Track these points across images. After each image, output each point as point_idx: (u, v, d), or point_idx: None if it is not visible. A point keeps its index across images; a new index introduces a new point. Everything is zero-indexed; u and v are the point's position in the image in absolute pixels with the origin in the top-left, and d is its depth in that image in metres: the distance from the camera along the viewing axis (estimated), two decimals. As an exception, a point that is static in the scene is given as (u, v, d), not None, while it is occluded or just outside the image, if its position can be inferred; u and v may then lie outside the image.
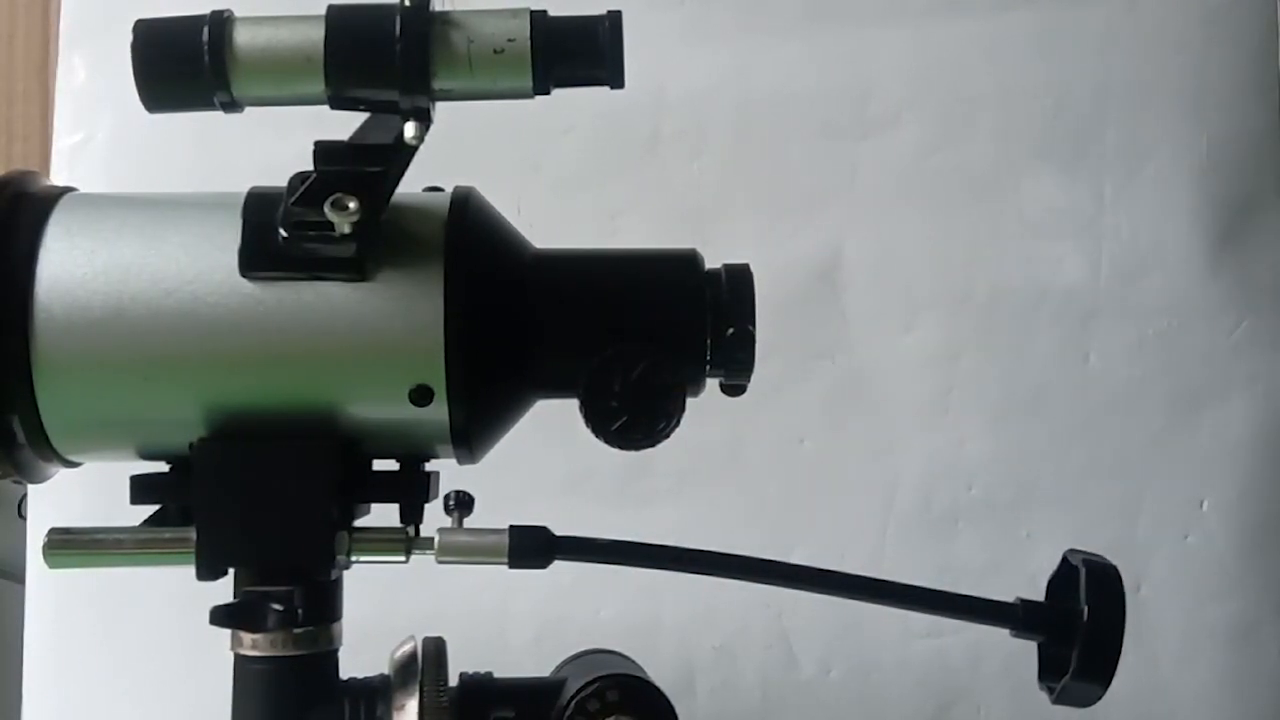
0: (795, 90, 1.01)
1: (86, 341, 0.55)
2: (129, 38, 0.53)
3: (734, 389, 0.62)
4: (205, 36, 0.53)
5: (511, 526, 0.59)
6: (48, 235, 0.56)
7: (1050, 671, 0.61)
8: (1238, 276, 1.02)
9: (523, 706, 0.61)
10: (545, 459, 0.91)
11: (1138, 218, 1.00)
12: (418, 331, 0.55)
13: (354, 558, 0.58)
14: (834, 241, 1.01)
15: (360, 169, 0.54)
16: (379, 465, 0.61)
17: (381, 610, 0.70)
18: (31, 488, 0.83)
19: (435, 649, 0.61)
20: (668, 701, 0.60)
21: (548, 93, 0.55)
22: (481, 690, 0.62)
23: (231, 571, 0.58)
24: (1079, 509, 0.98)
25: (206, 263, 0.55)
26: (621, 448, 0.57)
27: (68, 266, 0.55)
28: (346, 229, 0.54)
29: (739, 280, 0.60)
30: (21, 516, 1.09)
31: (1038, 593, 0.63)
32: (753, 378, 0.61)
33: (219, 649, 0.59)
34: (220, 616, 0.57)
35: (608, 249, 0.62)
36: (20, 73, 1.10)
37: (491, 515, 0.60)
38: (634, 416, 0.57)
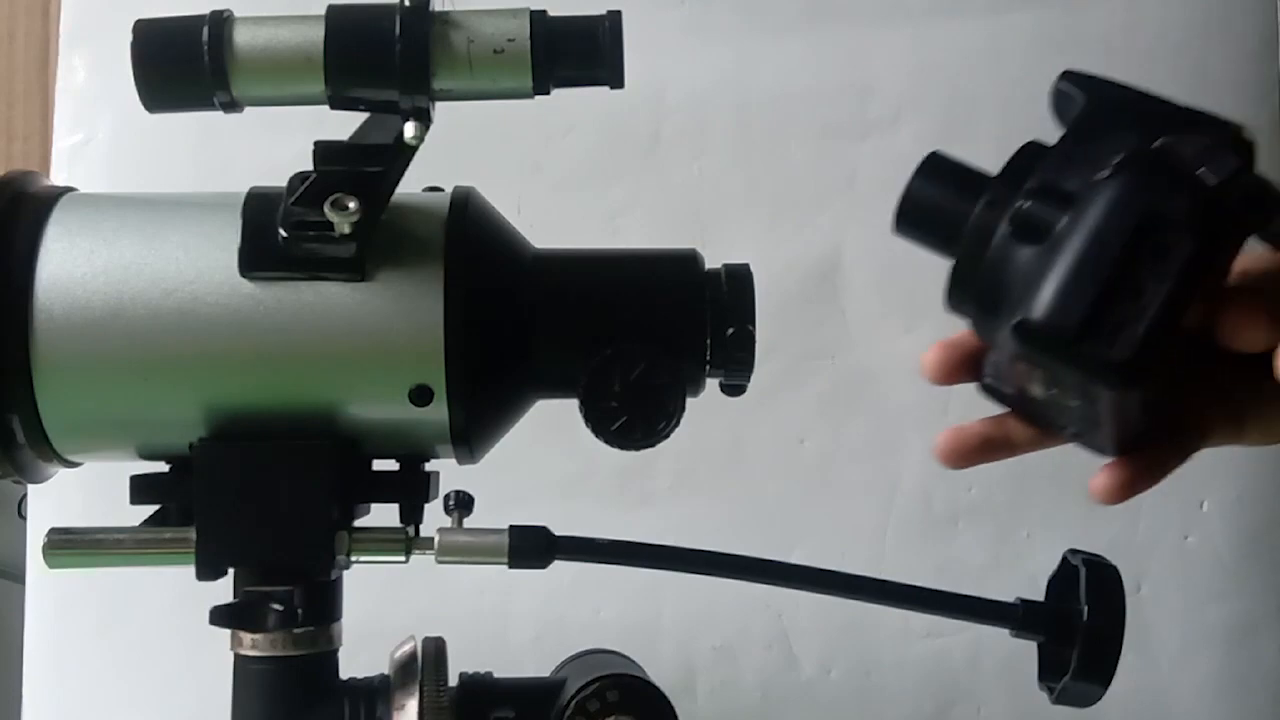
0: (795, 90, 1.01)
1: (86, 341, 0.55)
2: (129, 38, 0.53)
3: (734, 389, 0.62)
4: (205, 36, 0.53)
5: (511, 526, 0.59)
6: (47, 235, 0.56)
7: (1050, 671, 0.61)
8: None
9: (523, 706, 0.61)
10: (545, 459, 0.91)
11: (1138, 218, 1.00)
12: (418, 331, 0.55)
13: (354, 558, 0.58)
14: (834, 241, 1.01)
15: (360, 169, 0.54)
16: (379, 465, 0.61)
17: (381, 610, 0.70)
18: (31, 488, 0.83)
19: (435, 649, 0.61)
20: (668, 701, 0.60)
21: (548, 93, 0.55)
22: (481, 690, 0.62)
23: (231, 571, 0.58)
24: (1079, 509, 0.98)
25: (206, 263, 0.55)
26: (622, 448, 0.57)
27: (67, 266, 0.55)
28: (346, 229, 0.54)
29: (739, 280, 0.60)
30: (21, 516, 1.09)
31: (1038, 593, 0.63)
32: (753, 378, 0.61)
33: (219, 649, 0.59)
34: (220, 617, 0.57)
35: (608, 249, 0.62)
36: (20, 73, 1.10)
37: (491, 515, 0.60)
38: (634, 416, 0.57)
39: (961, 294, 0.57)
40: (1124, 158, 0.53)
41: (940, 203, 0.59)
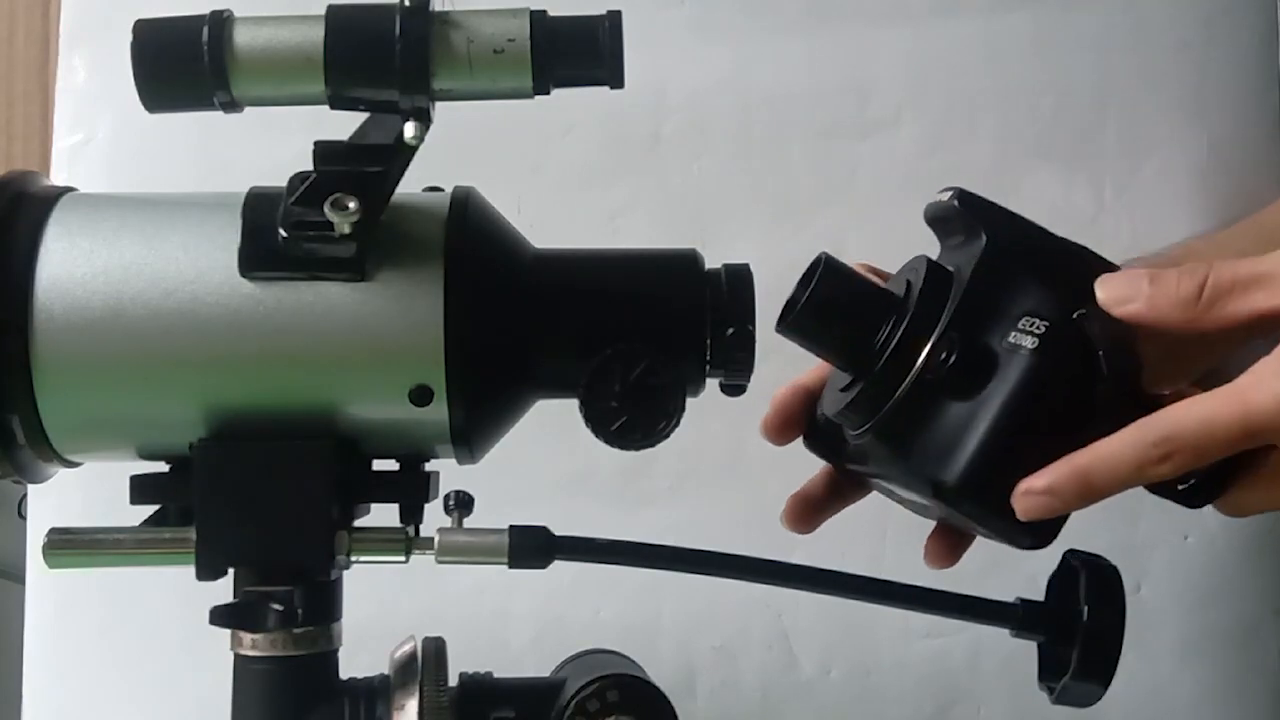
0: (795, 90, 1.00)
1: (86, 342, 0.55)
2: (129, 38, 0.53)
3: (734, 389, 0.62)
4: (205, 36, 0.53)
5: (511, 526, 0.59)
6: (47, 235, 0.56)
7: (1050, 672, 0.61)
8: (1238, 276, 1.01)
9: (522, 706, 0.61)
10: (545, 459, 0.91)
11: (1138, 218, 1.00)
12: (418, 331, 0.55)
13: (354, 558, 0.58)
14: (834, 241, 1.00)
15: (360, 169, 0.54)
16: (379, 465, 0.61)
17: (382, 610, 0.70)
18: (31, 488, 0.83)
19: (435, 649, 0.61)
20: (668, 701, 0.60)
21: (547, 93, 0.55)
22: (481, 690, 0.62)
23: (231, 571, 0.58)
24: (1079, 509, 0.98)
25: (206, 263, 0.55)
26: (623, 448, 0.57)
27: (67, 266, 0.55)
28: (346, 229, 0.54)
29: (739, 280, 0.60)
30: (21, 516, 1.09)
31: (1038, 593, 0.63)
32: (753, 378, 0.61)
33: (219, 649, 0.59)
34: (220, 617, 0.57)
35: (608, 249, 0.62)
36: (20, 73, 1.10)
37: (491, 515, 0.60)
38: (634, 416, 0.57)
39: (862, 417, 0.60)
40: (1048, 331, 0.56)
41: (838, 317, 0.61)
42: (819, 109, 1.01)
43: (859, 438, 0.61)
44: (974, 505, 0.57)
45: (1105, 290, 0.58)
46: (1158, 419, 0.55)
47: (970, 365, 0.56)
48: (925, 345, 0.57)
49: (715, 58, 1.01)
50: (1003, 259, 0.58)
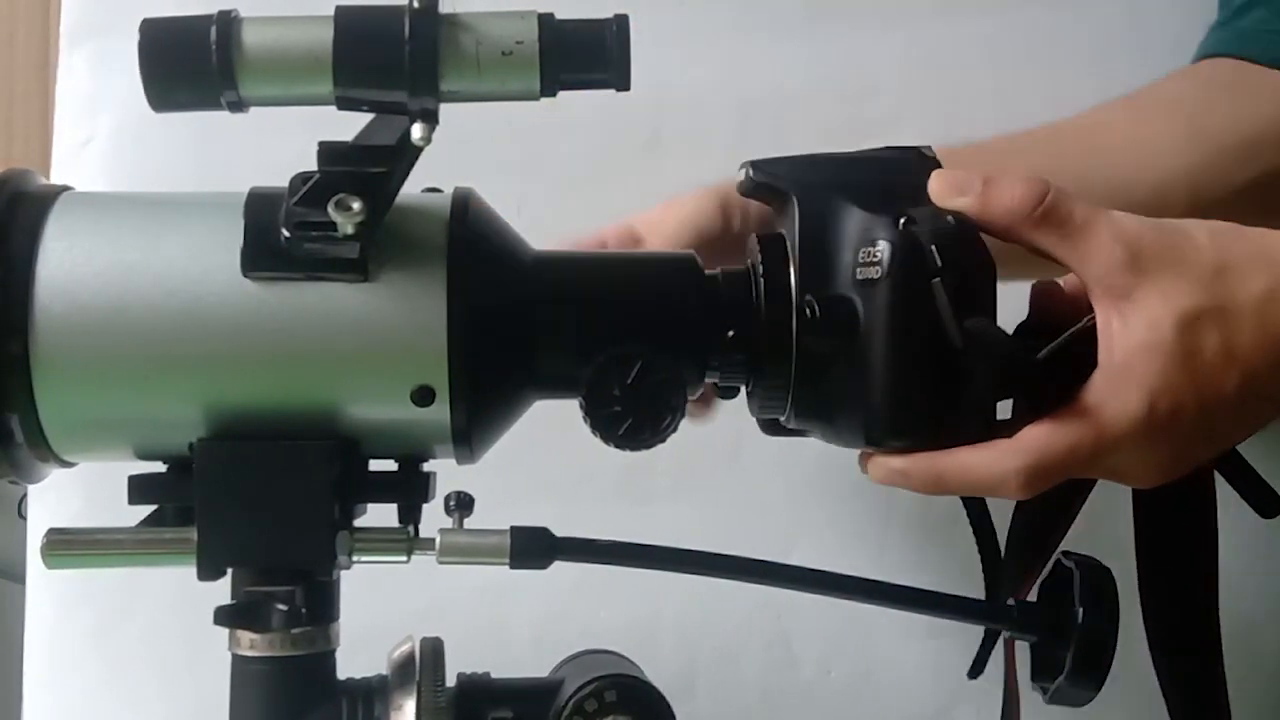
0: (795, 90, 1.01)
1: (87, 341, 0.55)
2: (131, 38, 0.53)
3: (729, 390, 0.62)
4: (213, 36, 0.52)
5: (513, 527, 0.59)
6: (47, 235, 0.56)
7: (1044, 672, 0.61)
8: (1237, 277, 1.01)
9: (520, 707, 0.61)
10: (546, 459, 0.91)
11: (1137, 219, 1.00)
12: (421, 332, 0.55)
13: (356, 558, 0.58)
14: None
15: (364, 169, 0.54)
16: (378, 466, 0.61)
17: (381, 611, 0.70)
18: (32, 488, 0.83)
19: (433, 649, 0.61)
20: (665, 701, 0.60)
21: (554, 95, 0.54)
22: (479, 690, 0.62)
23: (230, 571, 0.58)
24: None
25: (208, 262, 0.55)
26: (633, 449, 0.58)
27: (67, 266, 0.55)
28: (350, 229, 0.54)
29: (736, 283, 0.60)
30: (21, 516, 1.08)
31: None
32: (753, 378, 0.61)
33: (219, 649, 0.59)
34: (226, 617, 0.57)
35: (608, 251, 0.62)
36: (20, 73, 1.10)
37: (492, 515, 0.60)
38: (638, 418, 0.57)
39: (777, 407, 0.61)
40: (889, 252, 0.56)
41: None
42: (818, 109, 1.01)
43: (789, 424, 0.62)
44: (906, 442, 0.58)
45: (937, 183, 0.58)
46: (1025, 449, 0.56)
47: (835, 317, 0.57)
48: (790, 318, 0.57)
49: (714, 58, 1.01)
50: (816, 203, 0.59)
